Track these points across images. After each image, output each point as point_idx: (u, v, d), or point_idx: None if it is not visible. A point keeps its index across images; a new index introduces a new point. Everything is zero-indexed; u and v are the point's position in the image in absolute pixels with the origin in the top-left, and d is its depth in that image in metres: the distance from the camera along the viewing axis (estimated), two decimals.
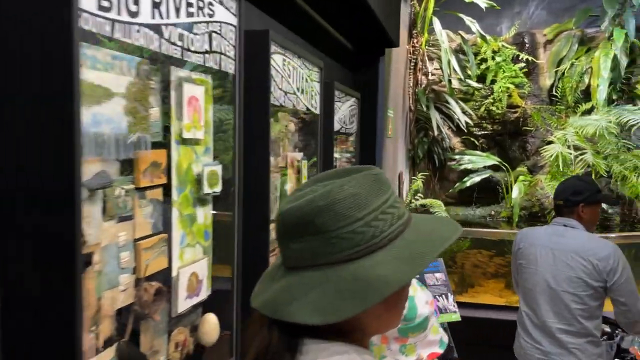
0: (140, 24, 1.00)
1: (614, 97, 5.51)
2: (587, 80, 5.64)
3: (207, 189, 1.38)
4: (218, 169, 1.42)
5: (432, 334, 1.54)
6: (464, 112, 5.71)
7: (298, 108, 2.06)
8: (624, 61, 5.27)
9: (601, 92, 5.16)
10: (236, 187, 1.50)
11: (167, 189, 1.22)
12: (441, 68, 5.55)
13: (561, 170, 4.92)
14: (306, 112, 2.20)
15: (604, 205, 5.11)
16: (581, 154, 4.95)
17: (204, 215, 1.42)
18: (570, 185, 2.58)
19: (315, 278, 0.71)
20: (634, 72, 5.56)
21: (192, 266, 1.33)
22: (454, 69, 5.38)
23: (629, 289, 2.44)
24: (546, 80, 5.96)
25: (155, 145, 1.18)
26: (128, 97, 1.07)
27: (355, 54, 3.87)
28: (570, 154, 4.87)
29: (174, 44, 1.12)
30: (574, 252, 2.46)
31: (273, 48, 1.70)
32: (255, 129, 1.61)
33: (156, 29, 1.06)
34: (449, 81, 5.74)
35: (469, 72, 5.59)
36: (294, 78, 1.95)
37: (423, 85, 5.92)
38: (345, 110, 3.02)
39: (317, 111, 2.29)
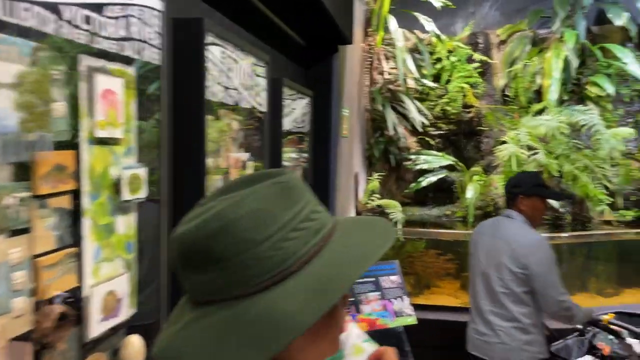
0: (30, 1, 0.84)
1: (565, 97, 5.59)
2: (539, 81, 5.71)
3: (128, 195, 1.22)
4: (142, 172, 1.26)
5: (355, 355, 1.42)
6: (420, 112, 5.68)
7: (241, 105, 1.91)
8: (574, 62, 5.36)
9: (553, 93, 5.22)
10: (165, 192, 1.35)
11: (76, 195, 1.06)
12: (397, 67, 5.50)
13: (514, 170, 4.94)
14: (252, 110, 2.06)
15: (555, 204, 5.18)
16: (534, 154, 5.00)
17: (126, 224, 1.26)
18: (514, 178, 2.90)
19: (216, 319, 0.58)
20: (584, 73, 5.66)
21: (110, 283, 1.17)
22: (409, 69, 5.34)
23: (547, 280, 2.56)
24: (500, 81, 6.00)
25: (60, 146, 1.01)
26: (20, 89, 0.90)
27: (308, 50, 3.75)
28: (523, 153, 4.90)
29: (77, 27, 0.96)
30: (503, 239, 2.71)
31: (210, 39, 1.55)
32: (189, 126, 1.46)
33: (53, 8, 0.89)
34: (405, 80, 5.70)
35: (425, 72, 5.56)
36: (235, 73, 1.80)
37: (379, 85, 5.85)
38: (297, 108, 2.89)
39: (264, 109, 2.15)
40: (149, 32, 1.22)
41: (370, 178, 5.38)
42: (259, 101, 2.08)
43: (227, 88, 1.72)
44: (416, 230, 4.55)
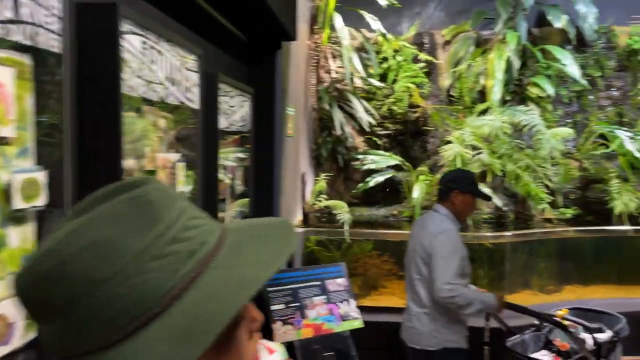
0: None
1: (508, 98, 5.69)
2: (482, 81, 5.78)
3: (21, 203, 1.05)
4: (39, 175, 1.10)
5: None
6: (367, 112, 5.64)
7: (168, 101, 1.75)
8: (516, 63, 5.46)
9: (495, 93, 5.30)
10: (70, 199, 1.19)
11: None
12: (344, 66, 5.43)
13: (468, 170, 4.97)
14: (183, 107, 1.90)
15: (498, 203, 5.25)
16: (478, 154, 5.05)
17: (21, 237, 1.09)
18: (451, 173, 3.05)
19: None
20: (526, 74, 5.79)
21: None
22: (356, 67, 5.28)
23: (438, 265, 2.78)
24: (445, 81, 6.05)
25: None
26: None
27: (250, 46, 3.61)
28: (468, 153, 4.94)
29: None
30: (423, 229, 2.90)
31: (127, 27, 1.39)
32: (100, 123, 1.30)
33: None
34: (352, 80, 5.64)
35: (371, 71, 5.52)
36: (160, 66, 1.65)
37: (327, 83, 5.77)
38: (237, 106, 2.75)
39: (196, 106, 2.00)
40: (45, 16, 1.06)
41: (317, 178, 5.29)
42: (191, 97, 1.93)
43: (149, 82, 1.56)
44: (363, 232, 4.50)
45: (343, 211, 4.66)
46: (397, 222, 5.63)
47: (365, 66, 5.53)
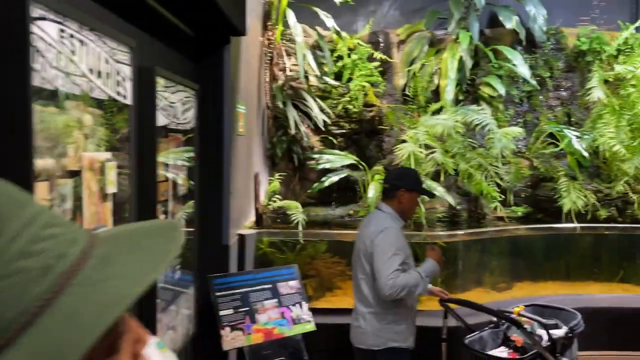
0: None
1: (461, 97, 5.74)
2: (436, 81, 5.82)
3: None
4: None
5: None
6: (322, 110, 5.57)
7: (94, 96, 1.62)
8: (468, 63, 5.51)
9: (449, 93, 5.33)
10: None
11: None
12: (298, 63, 5.35)
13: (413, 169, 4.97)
14: (112, 102, 1.77)
15: (451, 202, 5.28)
16: (431, 153, 5.06)
17: None
18: (397, 171, 3.09)
19: None
20: (478, 74, 5.85)
21: None
22: (311, 65, 5.21)
23: (379, 264, 2.72)
24: (400, 80, 6.05)
25: None
26: None
27: (197, 41, 3.48)
28: (421, 152, 4.94)
29: None
30: (366, 228, 2.86)
31: (39, 12, 1.26)
32: (10, 118, 1.17)
33: None
34: (307, 78, 5.56)
35: (326, 69, 5.46)
36: (83, 57, 1.51)
37: (281, 81, 5.67)
38: (178, 103, 2.62)
39: (129, 101, 1.87)
40: None
41: (272, 178, 5.19)
42: (122, 92, 1.80)
43: (69, 74, 1.43)
44: (316, 232, 4.42)
45: (297, 211, 4.58)
46: (352, 222, 5.59)
47: (320, 64, 5.46)
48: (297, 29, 4.90)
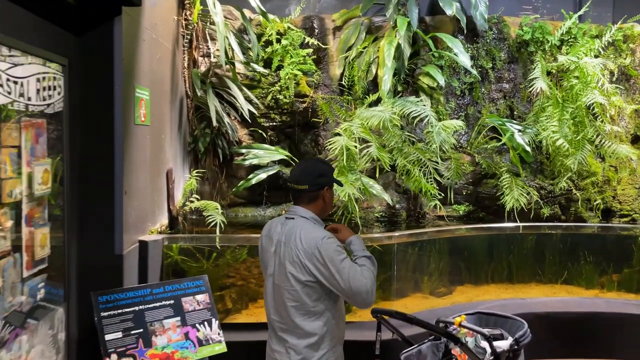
0: None
1: (399, 88, 5.36)
2: (374, 71, 5.41)
3: None
4: None
5: None
6: (250, 101, 5.05)
7: None
8: (407, 51, 5.13)
9: (385, 83, 4.93)
10: None
11: None
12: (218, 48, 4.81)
13: (344, 165, 4.55)
14: None
15: (388, 200, 4.89)
16: (366, 147, 4.64)
17: None
18: (313, 167, 2.43)
19: None
20: (418, 63, 5.49)
21: None
22: (234, 50, 4.68)
23: (341, 282, 2.20)
24: (336, 70, 5.61)
25: None
26: None
27: (81, 10, 2.90)
28: (356, 147, 4.51)
29: None
30: (293, 244, 2.29)
31: None
32: None
33: None
34: (233, 64, 5.03)
35: (251, 54, 4.94)
36: None
37: (205, 68, 5.12)
38: (26, 77, 2.05)
39: None
40: None
41: (188, 176, 4.62)
42: None
43: None
44: (235, 236, 3.91)
45: (215, 213, 4.04)
46: None
47: (247, 49, 4.94)
48: (216, 8, 4.35)
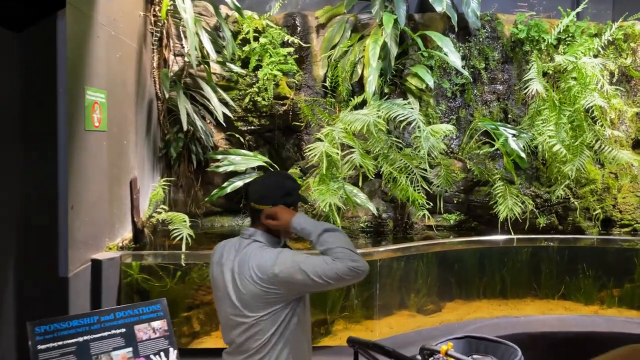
0: None
1: (386, 90, 5.03)
2: (360, 71, 5.09)
3: None
4: None
5: None
6: (225, 103, 4.72)
7: None
8: (394, 50, 4.80)
9: (371, 84, 4.60)
10: None
11: None
12: (201, 47, 4.48)
13: (325, 172, 4.22)
14: None
15: (372, 210, 4.56)
16: (349, 154, 4.32)
17: None
18: (277, 184, 2.07)
19: None
20: (406, 63, 5.16)
21: None
22: (207, 49, 4.34)
23: (316, 271, 1.86)
24: (320, 70, 5.28)
25: None
26: None
27: (26, 3, 2.57)
28: (338, 153, 4.18)
29: None
30: (249, 274, 1.96)
31: None
32: None
33: None
34: (207, 64, 4.70)
35: (225, 53, 4.61)
36: None
37: (178, 68, 4.78)
38: None
39: None
40: None
41: (154, 185, 4.28)
42: None
43: None
44: (202, 253, 3.57)
45: (181, 226, 3.71)
46: None
47: (221, 47, 4.60)
48: (185, 3, 4.02)
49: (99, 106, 3.22)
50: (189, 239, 3.66)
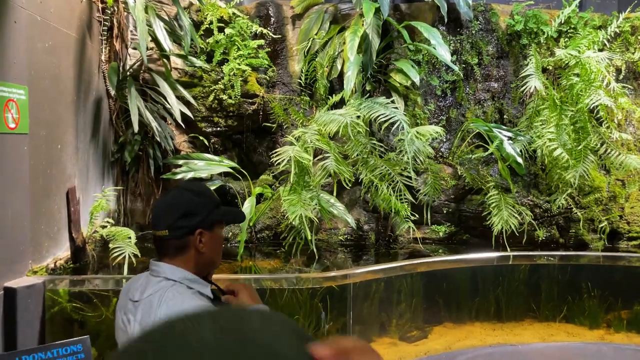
0: None
1: (368, 87, 4.52)
2: (339, 67, 4.58)
3: None
4: None
5: None
6: (187, 102, 4.21)
7: None
8: (375, 42, 4.29)
9: (349, 80, 4.09)
10: None
11: None
12: (155, 38, 3.97)
13: (298, 179, 3.71)
14: None
15: (350, 222, 4.05)
16: (323, 159, 3.81)
17: None
18: (174, 202, 1.56)
19: None
20: (391, 58, 4.66)
21: None
22: (160, 40, 3.83)
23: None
24: (296, 65, 4.77)
25: None
26: None
27: None
28: (306, 159, 3.67)
29: None
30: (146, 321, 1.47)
31: None
32: None
33: None
34: (167, 58, 4.19)
35: (183, 44, 4.09)
36: None
37: (132, 62, 4.27)
38: None
39: None
40: None
41: (97, 194, 3.75)
42: None
43: None
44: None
45: (124, 244, 3.19)
46: (231, 248, 4.27)
47: (178, 38, 4.08)
48: None
49: (16, 104, 2.70)
50: (132, 258, 3.14)
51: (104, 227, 3.59)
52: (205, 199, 1.59)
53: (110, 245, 3.23)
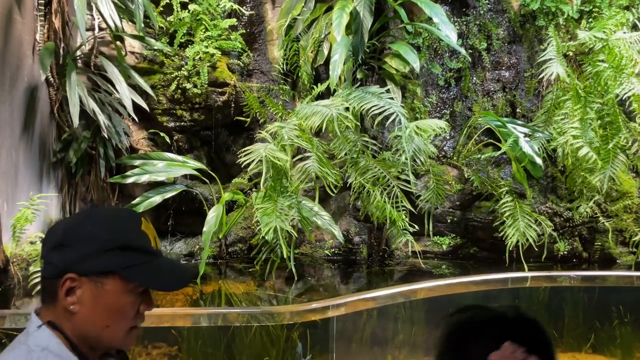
0: None
1: (360, 75, 3.87)
2: (326, 52, 3.93)
3: None
4: None
5: None
6: (143, 92, 3.55)
7: None
8: (367, 21, 3.63)
9: (336, 65, 3.43)
10: None
11: None
12: (100, 13, 3.31)
13: (274, 184, 3.06)
14: None
15: (337, 235, 3.39)
16: (302, 159, 3.15)
17: None
18: (66, 225, 1.01)
19: None
20: (386, 42, 4.00)
21: None
22: (106, 18, 3.16)
23: None
24: (276, 50, 4.12)
25: None
26: None
27: None
28: (281, 160, 3.00)
29: None
30: None
31: None
32: None
33: None
34: (121, 40, 3.53)
35: (137, 22, 3.41)
36: None
37: (89, 45, 3.61)
38: None
39: None
40: None
41: (23, 203, 3.06)
42: None
43: None
44: None
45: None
46: (194, 266, 3.62)
47: (130, 15, 3.42)
48: None
49: None
50: None
51: (33, 242, 2.92)
52: (101, 231, 0.95)
53: (32, 268, 2.56)
